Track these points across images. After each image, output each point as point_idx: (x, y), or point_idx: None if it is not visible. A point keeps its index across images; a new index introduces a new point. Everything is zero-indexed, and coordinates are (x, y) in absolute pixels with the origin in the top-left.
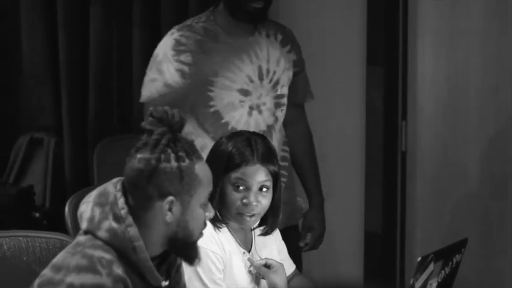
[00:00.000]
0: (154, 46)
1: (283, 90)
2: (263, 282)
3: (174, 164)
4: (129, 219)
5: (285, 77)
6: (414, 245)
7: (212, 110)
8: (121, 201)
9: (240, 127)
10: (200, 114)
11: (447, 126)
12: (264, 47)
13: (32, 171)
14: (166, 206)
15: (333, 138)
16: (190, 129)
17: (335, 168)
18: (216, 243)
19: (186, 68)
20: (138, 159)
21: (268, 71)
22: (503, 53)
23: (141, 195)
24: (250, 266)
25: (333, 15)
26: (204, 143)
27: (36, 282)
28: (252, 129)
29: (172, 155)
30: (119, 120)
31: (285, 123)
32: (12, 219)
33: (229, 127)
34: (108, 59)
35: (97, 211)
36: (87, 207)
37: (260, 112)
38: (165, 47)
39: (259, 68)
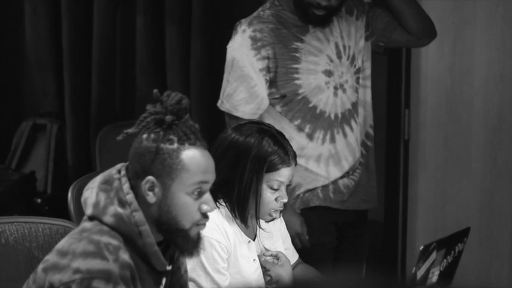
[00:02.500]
0: (158, 33)
1: (359, 62)
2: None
3: (153, 144)
4: (135, 204)
5: (357, 48)
6: (416, 234)
7: (300, 96)
8: (126, 186)
9: (328, 109)
10: (287, 108)
11: (450, 115)
12: (334, 23)
13: (34, 157)
14: (146, 186)
15: None
16: (270, 121)
17: None
18: (220, 233)
19: (268, 62)
20: (139, 140)
21: (344, 47)
22: (507, 42)
23: (132, 172)
24: (258, 256)
25: None
26: (289, 136)
27: (40, 267)
28: (339, 109)
29: (159, 136)
30: (121, 107)
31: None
32: (14, 205)
33: (318, 110)
34: (111, 45)
35: (102, 196)
36: (91, 193)
37: (344, 91)
38: (242, 48)
39: (336, 46)
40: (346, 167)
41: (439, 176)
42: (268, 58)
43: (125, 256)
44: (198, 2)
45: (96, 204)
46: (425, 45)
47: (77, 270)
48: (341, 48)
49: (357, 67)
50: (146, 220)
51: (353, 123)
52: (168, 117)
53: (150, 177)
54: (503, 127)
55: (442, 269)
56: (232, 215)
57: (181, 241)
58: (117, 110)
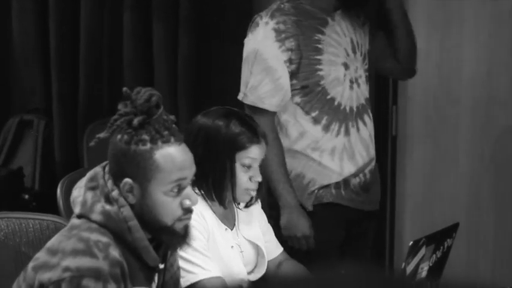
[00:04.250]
0: (145, 29)
1: (368, 62)
2: (246, 257)
3: (126, 146)
4: (121, 200)
5: (366, 49)
6: (404, 229)
7: (320, 88)
8: (110, 183)
9: (344, 102)
10: (307, 98)
11: (438, 111)
12: (348, 20)
13: (22, 153)
14: (125, 188)
15: None
16: (285, 117)
17: None
18: (196, 214)
19: (291, 54)
20: (114, 141)
21: (358, 43)
22: (495, 39)
23: (111, 172)
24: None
25: None
26: (303, 130)
27: (30, 265)
28: (354, 103)
29: (131, 138)
30: (109, 103)
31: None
32: (1, 201)
33: (336, 102)
34: (98, 41)
35: (89, 195)
36: (79, 192)
37: (358, 85)
38: (266, 40)
39: (352, 41)
40: (360, 162)
41: (427, 171)
42: (291, 50)
43: (114, 253)
44: None
45: (83, 203)
46: (404, 79)
47: (66, 269)
48: (355, 43)
49: (367, 66)
50: (134, 216)
51: (366, 118)
52: (138, 118)
53: (127, 180)
54: (491, 123)
55: (431, 264)
56: (208, 202)
57: (167, 237)
58: (105, 106)
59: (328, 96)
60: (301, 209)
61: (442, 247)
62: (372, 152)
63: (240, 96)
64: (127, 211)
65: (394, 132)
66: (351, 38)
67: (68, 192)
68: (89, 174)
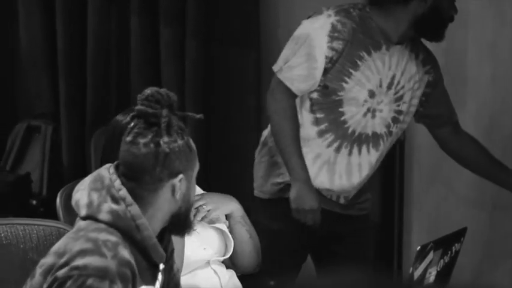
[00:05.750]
0: (153, 33)
1: (404, 106)
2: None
3: (180, 142)
4: (129, 199)
5: (409, 94)
6: (412, 234)
7: (337, 98)
8: (117, 183)
9: (351, 122)
10: (321, 99)
11: None
12: (404, 59)
13: (29, 158)
14: (178, 184)
15: None
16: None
17: None
18: None
19: (334, 54)
20: (144, 144)
21: (398, 83)
22: (500, 42)
23: (150, 178)
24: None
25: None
26: (302, 122)
27: (38, 271)
28: (358, 128)
29: (176, 134)
30: (116, 107)
31: (443, 142)
32: (9, 206)
33: (342, 118)
34: (106, 46)
35: (94, 196)
36: (82, 194)
37: (374, 117)
38: (321, 31)
39: (393, 77)
40: (337, 185)
41: (435, 176)
42: (336, 50)
43: (124, 252)
44: (192, 2)
45: (89, 204)
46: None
47: (74, 267)
48: (395, 81)
49: (400, 108)
50: (157, 216)
51: (364, 149)
52: (174, 117)
53: (181, 175)
54: (496, 127)
55: (439, 269)
56: None
57: (186, 224)
58: (112, 111)
59: (340, 109)
60: (311, 183)
61: (450, 252)
62: (355, 181)
63: (275, 68)
64: (134, 210)
65: (402, 138)
66: (394, 74)
67: (67, 202)
68: (91, 176)
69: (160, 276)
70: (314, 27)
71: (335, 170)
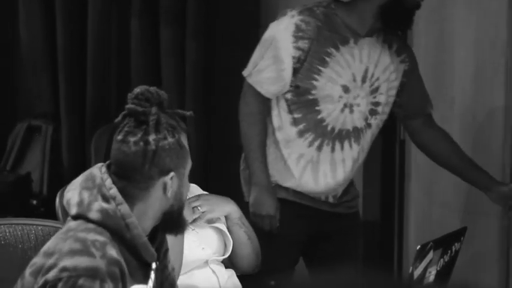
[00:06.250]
0: (153, 34)
1: (381, 98)
2: (205, 237)
3: (171, 140)
4: (119, 198)
5: (386, 86)
6: (412, 234)
7: (311, 97)
8: (108, 182)
9: (329, 120)
10: (296, 99)
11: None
12: (377, 51)
13: (30, 158)
14: (170, 182)
15: None
16: (273, 106)
17: None
18: None
19: (301, 54)
20: (134, 142)
21: (372, 75)
22: (498, 44)
23: (140, 176)
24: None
25: None
26: (281, 124)
27: (28, 271)
28: (338, 125)
29: (166, 132)
30: (116, 107)
31: (414, 133)
32: (9, 206)
33: (319, 116)
34: (106, 46)
35: (85, 194)
36: (73, 194)
37: (351, 111)
38: (285, 32)
39: (366, 70)
40: (322, 184)
41: (435, 176)
42: (302, 50)
43: (112, 252)
44: (192, 3)
45: (80, 203)
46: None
47: (63, 269)
48: (369, 74)
49: (376, 100)
50: (148, 214)
51: (346, 144)
52: (163, 115)
53: (172, 173)
54: (494, 129)
55: (439, 269)
56: None
57: (178, 223)
58: (113, 111)
59: (317, 108)
60: (272, 189)
61: (449, 251)
62: (340, 178)
63: (245, 73)
64: (125, 209)
65: (402, 137)
66: (367, 67)
67: None
68: (83, 175)
69: (152, 275)
70: (279, 28)
71: (319, 168)
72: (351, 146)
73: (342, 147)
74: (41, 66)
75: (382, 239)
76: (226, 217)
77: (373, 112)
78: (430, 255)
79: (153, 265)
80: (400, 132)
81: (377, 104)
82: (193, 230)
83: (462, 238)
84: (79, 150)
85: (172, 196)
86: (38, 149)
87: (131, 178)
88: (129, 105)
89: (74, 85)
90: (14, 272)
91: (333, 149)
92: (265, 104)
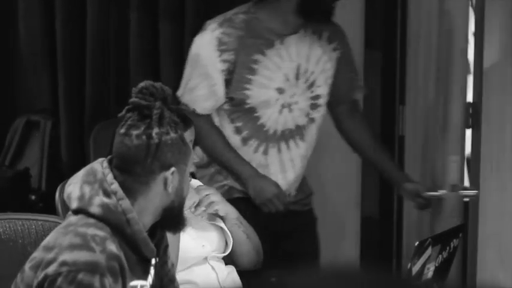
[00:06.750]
0: (152, 29)
1: (320, 90)
2: (204, 234)
3: (173, 135)
4: (120, 193)
5: (323, 77)
6: (411, 231)
7: (248, 106)
8: (110, 177)
9: (270, 124)
10: (234, 108)
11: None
12: (306, 45)
13: (28, 153)
14: (170, 177)
15: (329, 122)
16: (216, 120)
17: (332, 153)
18: None
19: (229, 66)
20: (136, 135)
21: (306, 70)
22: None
23: (142, 170)
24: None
25: None
26: (226, 135)
27: (28, 265)
28: (279, 127)
29: (169, 127)
30: (115, 103)
31: (336, 120)
32: (8, 201)
33: (259, 122)
34: (105, 41)
35: (86, 189)
36: (74, 188)
37: (290, 111)
38: (208, 47)
39: (298, 67)
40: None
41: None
42: (230, 62)
43: (111, 247)
44: (191, 1)
45: (81, 197)
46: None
47: (63, 263)
48: (302, 70)
49: (315, 93)
50: (149, 209)
51: (292, 143)
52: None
53: (173, 168)
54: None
55: (437, 265)
56: None
57: (178, 220)
58: (112, 106)
59: (255, 114)
60: (260, 173)
61: (448, 247)
62: (291, 177)
63: (178, 93)
64: (126, 204)
65: (402, 133)
66: (298, 64)
67: None
68: (84, 170)
69: (152, 271)
70: (202, 44)
71: (269, 171)
72: (296, 144)
73: (288, 147)
74: (39, 61)
75: (381, 236)
76: (223, 218)
77: (314, 106)
78: (429, 251)
79: (153, 261)
80: (400, 129)
81: (317, 97)
82: (187, 226)
83: (460, 234)
84: (78, 146)
85: (173, 192)
86: (37, 144)
87: (132, 171)
88: (133, 99)
89: (72, 80)
90: (14, 267)
91: (279, 151)
92: (208, 117)
